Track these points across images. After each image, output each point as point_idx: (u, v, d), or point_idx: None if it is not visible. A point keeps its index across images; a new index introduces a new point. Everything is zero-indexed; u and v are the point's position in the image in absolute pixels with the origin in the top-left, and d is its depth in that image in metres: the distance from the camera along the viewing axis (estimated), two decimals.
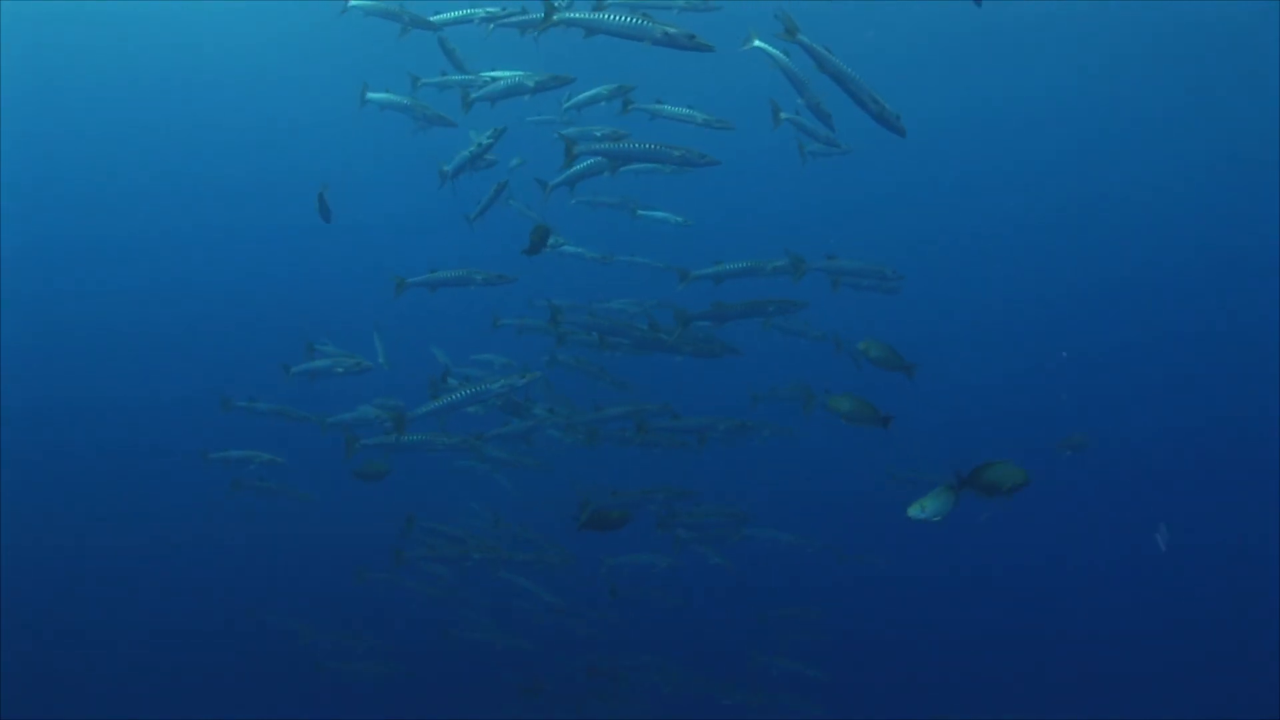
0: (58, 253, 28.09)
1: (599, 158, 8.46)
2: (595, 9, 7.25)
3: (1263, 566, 17.30)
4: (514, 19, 8.79)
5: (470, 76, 9.16)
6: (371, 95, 9.74)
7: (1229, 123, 25.15)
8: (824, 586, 14.41)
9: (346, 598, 13.86)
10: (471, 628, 13.10)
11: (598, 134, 8.59)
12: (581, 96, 9.29)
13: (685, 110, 8.61)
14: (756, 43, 7.30)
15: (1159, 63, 24.49)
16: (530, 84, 8.77)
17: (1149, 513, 18.44)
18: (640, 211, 11.74)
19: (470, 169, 9.17)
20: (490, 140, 8.97)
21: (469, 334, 11.88)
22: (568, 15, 7.33)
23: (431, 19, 9.21)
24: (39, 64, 26.39)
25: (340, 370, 10.44)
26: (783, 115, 8.53)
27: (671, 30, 7.07)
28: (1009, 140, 26.61)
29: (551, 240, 9.77)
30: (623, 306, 11.18)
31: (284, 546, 16.60)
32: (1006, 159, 26.99)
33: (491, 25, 8.87)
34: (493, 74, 8.95)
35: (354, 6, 9.26)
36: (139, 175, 28.97)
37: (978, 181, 26.68)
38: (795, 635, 13.52)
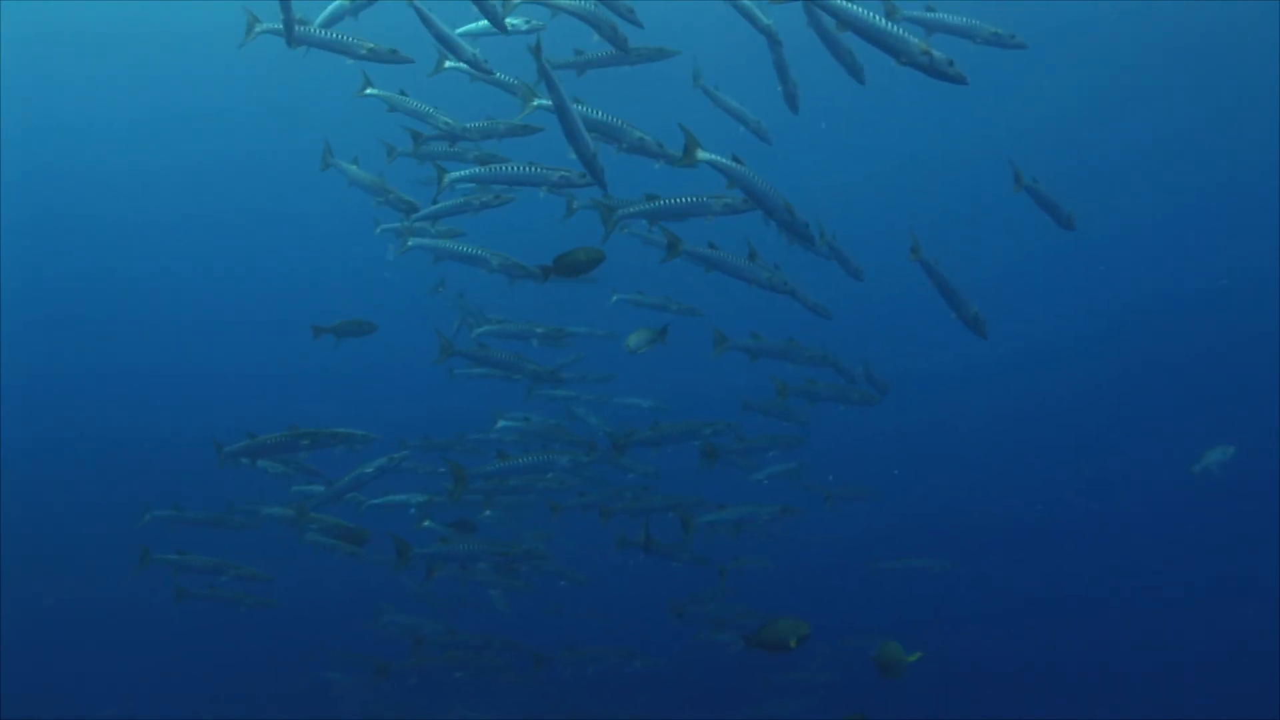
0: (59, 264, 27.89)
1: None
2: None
3: (1263, 568, 17.27)
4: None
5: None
6: None
7: (1229, 125, 24.64)
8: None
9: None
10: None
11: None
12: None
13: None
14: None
15: (1158, 64, 24.01)
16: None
17: (1149, 518, 19.10)
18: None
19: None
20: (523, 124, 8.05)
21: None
22: None
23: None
24: (40, 60, 25.55)
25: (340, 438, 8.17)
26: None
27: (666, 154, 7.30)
28: (1004, 148, 26.02)
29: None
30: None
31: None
32: (1000, 169, 26.45)
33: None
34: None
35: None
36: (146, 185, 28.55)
37: (973, 192, 26.10)
38: (802, 699, 12.86)
